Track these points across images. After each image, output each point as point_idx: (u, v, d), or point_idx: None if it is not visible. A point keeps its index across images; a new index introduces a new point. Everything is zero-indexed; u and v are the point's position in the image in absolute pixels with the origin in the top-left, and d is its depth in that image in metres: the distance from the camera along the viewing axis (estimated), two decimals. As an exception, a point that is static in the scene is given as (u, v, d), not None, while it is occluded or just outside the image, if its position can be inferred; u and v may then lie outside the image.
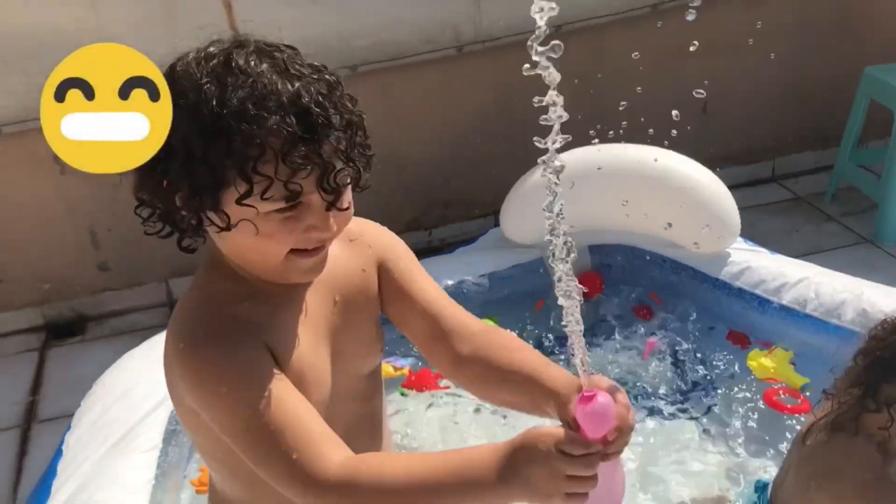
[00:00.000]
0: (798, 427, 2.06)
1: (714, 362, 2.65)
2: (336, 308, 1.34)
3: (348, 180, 1.19)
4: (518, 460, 1.10)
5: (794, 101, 4.18)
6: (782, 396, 2.50)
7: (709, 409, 2.53)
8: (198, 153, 1.13)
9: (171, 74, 1.17)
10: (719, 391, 2.58)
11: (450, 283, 2.89)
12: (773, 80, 4.06)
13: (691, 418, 2.50)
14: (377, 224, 1.45)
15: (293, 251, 1.22)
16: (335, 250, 1.31)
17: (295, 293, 1.30)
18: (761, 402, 2.49)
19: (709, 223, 2.76)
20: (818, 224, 3.89)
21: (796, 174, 4.28)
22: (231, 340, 1.21)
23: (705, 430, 2.47)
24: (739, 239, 2.93)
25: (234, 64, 1.14)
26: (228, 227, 1.17)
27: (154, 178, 1.18)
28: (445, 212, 3.92)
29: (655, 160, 2.83)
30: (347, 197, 1.22)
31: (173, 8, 3.24)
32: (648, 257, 2.94)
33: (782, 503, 1.96)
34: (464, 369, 1.35)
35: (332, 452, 1.16)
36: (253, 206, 1.14)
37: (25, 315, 3.60)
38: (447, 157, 3.80)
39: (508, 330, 1.32)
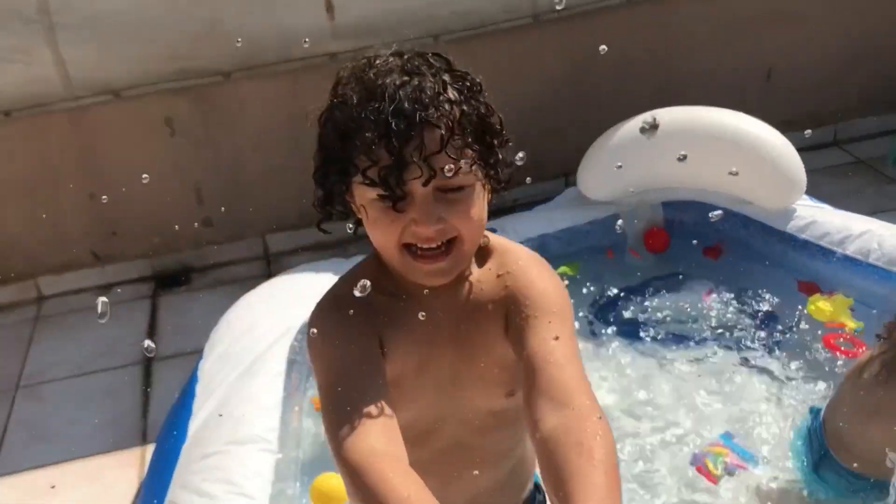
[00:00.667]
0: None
1: (779, 306, 2.87)
2: (459, 336, 1.32)
3: (451, 175, 1.16)
4: None
5: (857, 67, 4.31)
6: (842, 342, 2.71)
7: (771, 348, 2.76)
8: (326, 140, 1.22)
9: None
10: (783, 334, 2.80)
11: (532, 237, 3.15)
12: (836, 47, 4.21)
13: (749, 357, 2.74)
14: (546, 268, 1.34)
15: (407, 249, 1.21)
16: (486, 281, 1.31)
17: (428, 304, 1.29)
18: (821, 344, 2.71)
19: (776, 179, 2.96)
20: (879, 186, 4.03)
21: (858, 139, 4.42)
22: (348, 314, 1.25)
23: (765, 368, 2.71)
24: (805, 196, 3.13)
25: (369, 64, 1.21)
26: (351, 212, 1.25)
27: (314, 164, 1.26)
28: (517, 175, 4.15)
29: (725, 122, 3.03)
30: (466, 201, 1.20)
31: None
32: (719, 212, 3.14)
33: (834, 427, 2.18)
34: (536, 442, 1.13)
35: (365, 440, 1.11)
36: (363, 192, 1.19)
37: (136, 266, 3.94)
38: (522, 124, 4.01)
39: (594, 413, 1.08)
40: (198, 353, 3.10)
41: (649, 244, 3.34)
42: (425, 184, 1.15)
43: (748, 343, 2.81)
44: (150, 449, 2.90)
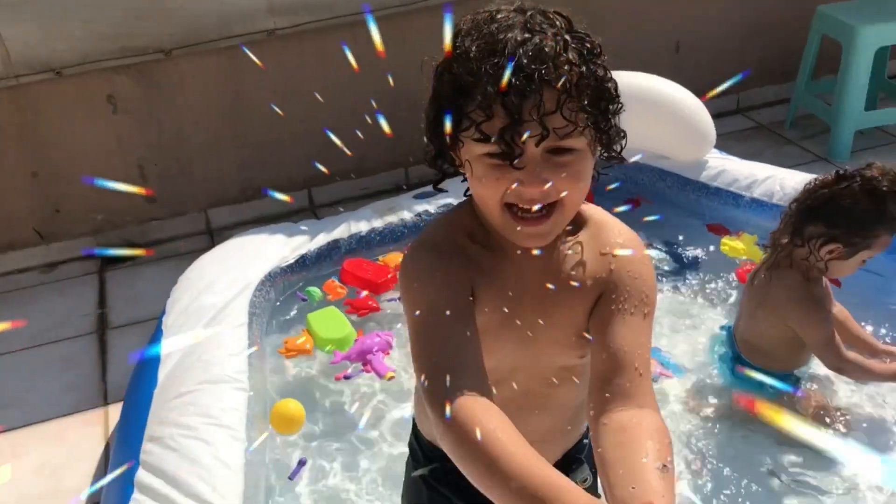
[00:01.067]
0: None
1: (695, 248, 3.18)
2: (546, 299, 1.31)
3: (563, 136, 1.14)
4: None
5: (757, 40, 4.69)
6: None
7: (691, 282, 3.09)
8: (441, 92, 1.20)
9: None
10: (700, 271, 3.12)
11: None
12: (737, 21, 4.57)
13: (673, 288, 3.08)
14: (648, 259, 1.35)
15: (508, 208, 1.20)
16: (585, 252, 1.31)
17: (520, 262, 1.29)
18: (733, 276, 3.05)
19: (689, 134, 3.27)
20: (779, 147, 4.42)
21: (758, 106, 4.81)
22: (445, 257, 1.26)
23: (686, 298, 3.06)
24: (714, 150, 3.45)
25: (491, 18, 1.17)
26: (460, 164, 1.24)
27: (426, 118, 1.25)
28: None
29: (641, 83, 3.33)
30: (576, 165, 1.17)
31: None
32: (638, 168, 3.45)
33: (739, 334, 2.55)
34: (594, 430, 1.17)
35: (459, 383, 1.12)
36: (471, 147, 1.18)
37: (81, 243, 4.00)
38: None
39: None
40: (150, 321, 3.23)
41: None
42: (538, 143, 1.14)
43: (672, 277, 3.13)
44: (113, 408, 3.02)
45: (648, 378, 1.20)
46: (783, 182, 3.12)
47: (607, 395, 1.17)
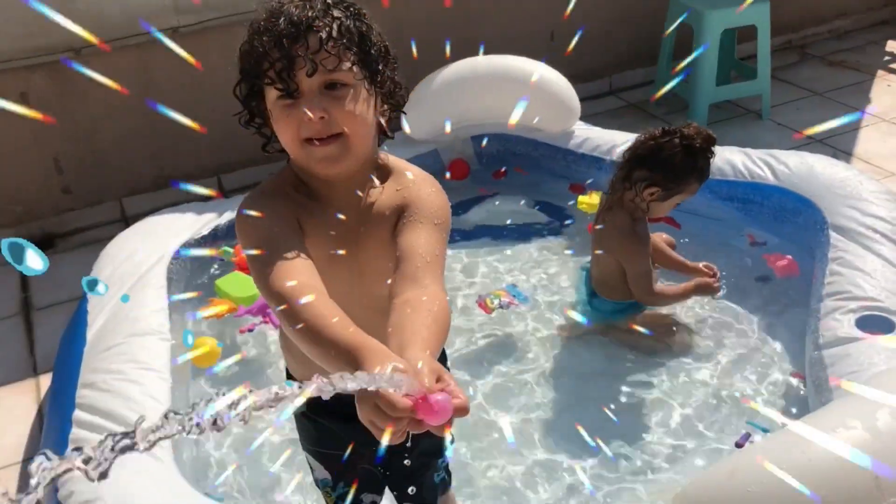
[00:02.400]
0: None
1: (556, 204, 3.71)
2: (361, 234, 1.54)
3: (335, 71, 1.39)
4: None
5: (623, 28, 5.20)
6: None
7: (554, 232, 3.67)
8: (242, 61, 1.46)
9: None
10: (560, 222, 3.66)
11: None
12: (605, 11, 5.07)
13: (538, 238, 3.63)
14: (437, 187, 1.57)
15: (307, 141, 1.43)
16: (385, 192, 1.54)
17: (333, 199, 1.51)
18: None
19: (557, 108, 3.73)
20: (646, 122, 4.92)
21: (628, 87, 5.33)
22: (273, 201, 1.48)
23: (548, 246, 3.58)
24: (580, 122, 3.92)
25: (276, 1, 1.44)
26: (258, 114, 1.49)
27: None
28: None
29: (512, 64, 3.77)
30: (348, 97, 1.41)
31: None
32: (515, 139, 3.90)
33: (592, 273, 3.03)
34: (391, 308, 1.35)
35: (299, 291, 1.30)
36: (268, 95, 1.43)
37: (0, 235, 4.20)
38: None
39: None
40: (72, 302, 3.49)
41: (452, 173, 3.99)
42: (310, 74, 1.37)
43: (538, 230, 3.66)
44: (44, 378, 3.28)
45: (436, 268, 1.41)
46: (636, 145, 3.60)
47: (398, 281, 1.38)
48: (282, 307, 1.30)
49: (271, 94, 1.43)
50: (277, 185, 1.55)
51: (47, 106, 4.06)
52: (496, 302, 3.25)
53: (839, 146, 4.52)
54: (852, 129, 4.75)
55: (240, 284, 3.23)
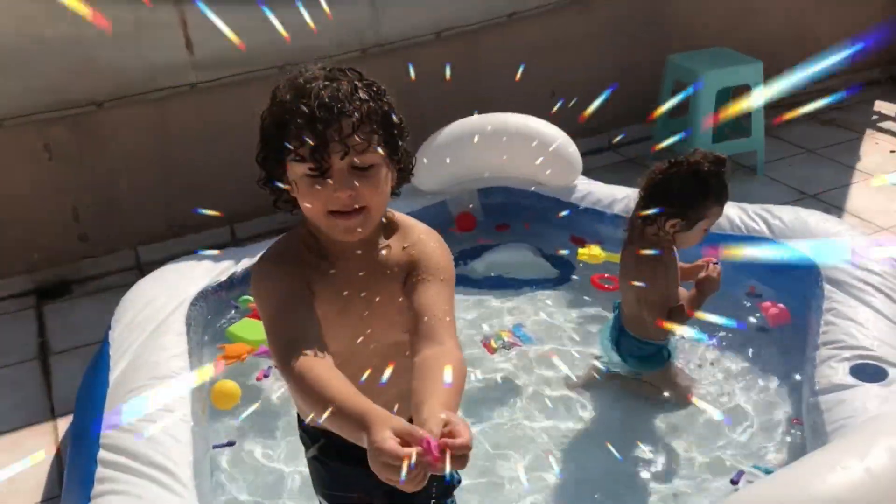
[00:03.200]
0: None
1: (563, 257, 3.85)
2: (369, 289, 1.65)
3: (364, 153, 1.50)
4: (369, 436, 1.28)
5: (621, 86, 5.37)
6: (605, 281, 3.69)
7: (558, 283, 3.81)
8: (266, 131, 1.57)
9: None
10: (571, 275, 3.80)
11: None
12: (603, 70, 5.27)
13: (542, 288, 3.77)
14: (440, 242, 1.71)
15: (332, 213, 1.53)
16: (393, 249, 1.66)
17: (346, 264, 1.62)
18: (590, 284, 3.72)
19: (560, 163, 3.89)
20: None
21: (626, 143, 5.50)
22: (285, 263, 1.61)
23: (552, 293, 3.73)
24: (582, 177, 4.08)
25: (299, 74, 1.56)
26: (282, 186, 1.57)
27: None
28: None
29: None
30: (374, 175, 1.53)
31: (140, 27, 4.08)
32: (521, 193, 4.05)
33: (622, 310, 3.07)
34: (413, 367, 1.49)
35: (301, 347, 1.45)
36: (294, 168, 1.52)
37: (18, 281, 4.31)
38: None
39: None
40: (89, 346, 3.60)
41: (460, 225, 4.13)
42: (342, 157, 1.49)
43: (542, 280, 3.80)
44: (61, 421, 3.37)
45: (449, 324, 1.54)
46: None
47: (416, 340, 1.51)
48: (288, 369, 1.44)
49: (298, 168, 1.52)
50: (290, 245, 1.65)
51: (68, 157, 4.21)
52: (500, 342, 3.36)
53: (831, 202, 4.68)
54: (843, 186, 4.92)
55: (253, 329, 3.34)
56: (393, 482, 1.23)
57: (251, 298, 3.52)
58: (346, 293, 1.62)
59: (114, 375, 2.95)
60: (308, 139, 1.47)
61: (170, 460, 2.48)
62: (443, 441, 1.24)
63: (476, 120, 3.95)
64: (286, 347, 1.47)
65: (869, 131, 5.60)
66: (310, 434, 1.92)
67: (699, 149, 2.86)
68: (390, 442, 1.24)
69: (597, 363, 3.20)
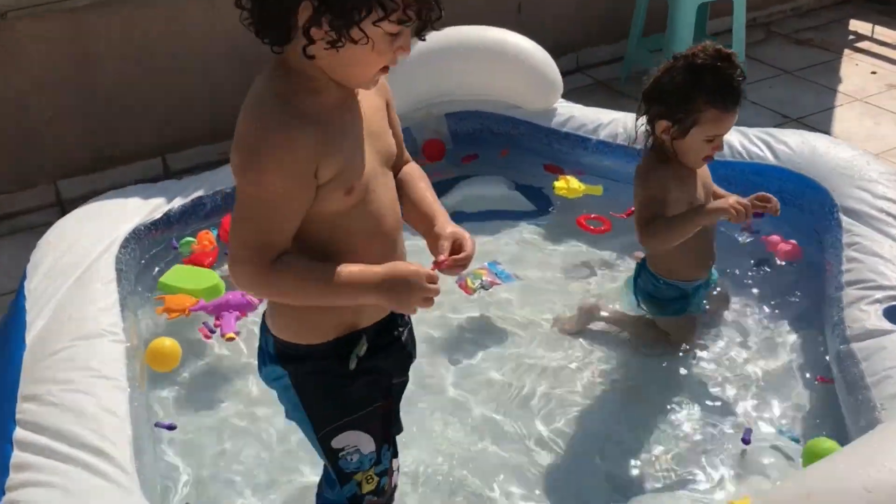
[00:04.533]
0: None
1: (542, 189, 3.47)
2: (368, 124, 1.67)
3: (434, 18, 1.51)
4: (396, 287, 1.58)
5: (592, 2, 4.97)
6: (591, 221, 3.33)
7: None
8: None
9: None
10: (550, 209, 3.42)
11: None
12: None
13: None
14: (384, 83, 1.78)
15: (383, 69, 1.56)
16: (373, 91, 1.68)
17: (347, 107, 1.61)
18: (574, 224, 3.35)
19: (538, 84, 3.47)
20: (616, 101, 4.70)
21: (596, 64, 5.11)
22: (299, 124, 1.51)
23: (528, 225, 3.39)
24: (562, 100, 3.67)
25: None
26: (354, 41, 1.45)
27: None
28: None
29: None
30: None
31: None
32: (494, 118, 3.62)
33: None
34: (402, 177, 1.81)
35: (279, 249, 1.57)
36: (380, 27, 1.45)
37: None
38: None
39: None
40: (6, 295, 3.10)
41: (427, 154, 3.70)
42: (425, 21, 1.51)
43: (519, 215, 3.43)
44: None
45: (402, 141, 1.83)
46: (626, 124, 3.37)
47: (401, 162, 1.83)
48: (268, 271, 1.57)
49: (388, 26, 1.46)
50: (297, 100, 1.54)
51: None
52: (478, 282, 3.02)
53: (817, 126, 4.39)
54: (826, 109, 4.63)
55: (191, 276, 2.89)
56: (424, 305, 1.60)
57: (194, 240, 3.07)
58: (352, 138, 1.62)
59: (31, 335, 2.48)
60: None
61: (105, 440, 2.06)
62: (452, 259, 1.67)
63: (445, 33, 3.46)
64: (265, 248, 1.56)
65: (847, 52, 5.31)
66: (338, 349, 1.75)
67: (708, 42, 2.44)
68: (423, 268, 1.61)
69: (594, 302, 2.88)
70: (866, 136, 4.32)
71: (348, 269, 1.58)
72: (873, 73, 5.03)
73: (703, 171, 2.59)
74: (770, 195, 2.54)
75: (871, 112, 4.58)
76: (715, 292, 2.82)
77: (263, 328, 1.79)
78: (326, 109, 1.56)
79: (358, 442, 1.80)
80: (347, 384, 1.76)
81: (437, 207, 1.78)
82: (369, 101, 1.67)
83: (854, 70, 5.08)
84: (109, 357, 2.35)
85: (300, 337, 1.72)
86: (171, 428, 2.45)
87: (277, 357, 1.75)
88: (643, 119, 2.53)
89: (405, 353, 1.89)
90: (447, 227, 1.72)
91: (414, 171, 1.84)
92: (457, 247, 1.68)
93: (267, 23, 1.50)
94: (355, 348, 1.73)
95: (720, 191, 2.68)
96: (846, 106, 4.65)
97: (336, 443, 1.79)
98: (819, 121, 4.48)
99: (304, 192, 1.55)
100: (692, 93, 2.37)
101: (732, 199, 2.46)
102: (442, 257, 1.66)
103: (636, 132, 2.54)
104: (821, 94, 4.79)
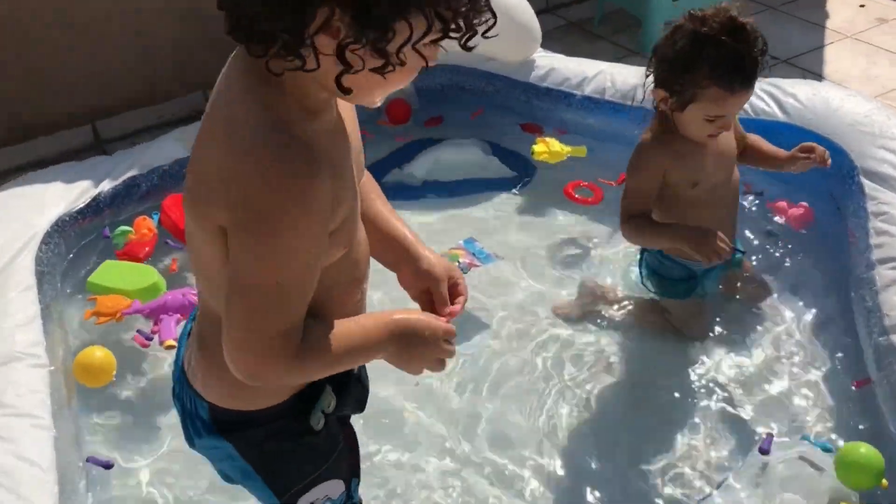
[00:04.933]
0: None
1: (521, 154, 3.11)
2: (351, 127, 1.31)
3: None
4: (408, 342, 1.29)
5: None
6: (580, 187, 2.98)
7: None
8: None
9: None
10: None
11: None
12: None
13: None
14: None
15: None
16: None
17: (338, 122, 1.25)
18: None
19: (515, 33, 3.07)
20: (591, 43, 4.33)
21: (567, 4, 4.70)
22: (316, 171, 1.11)
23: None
24: (541, 49, 3.28)
25: None
26: (391, 65, 1.08)
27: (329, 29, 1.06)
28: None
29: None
30: None
31: None
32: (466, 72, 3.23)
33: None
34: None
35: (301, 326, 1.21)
36: (420, 51, 1.09)
37: None
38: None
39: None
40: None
41: (391, 116, 3.33)
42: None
43: (497, 184, 3.07)
44: None
45: None
46: (614, 78, 3.01)
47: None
48: (288, 360, 1.20)
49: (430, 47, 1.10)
50: (299, 129, 1.11)
51: None
52: (455, 265, 2.65)
53: (808, 67, 4.07)
54: (816, 48, 4.31)
55: (125, 274, 2.49)
56: (436, 369, 1.34)
57: (130, 230, 2.67)
58: (349, 159, 1.26)
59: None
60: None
61: (22, 500, 1.69)
62: (454, 309, 1.41)
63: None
64: (293, 332, 1.19)
65: (833, -16, 4.96)
66: (296, 407, 1.42)
67: (727, 3, 2.09)
68: (439, 321, 1.34)
69: (595, 283, 2.57)
70: (862, 78, 4.01)
71: (362, 328, 1.29)
72: (861, 6, 4.70)
73: (722, 138, 2.25)
74: (814, 144, 2.27)
75: (863, 50, 4.27)
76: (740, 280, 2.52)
77: (186, 386, 1.40)
78: (327, 135, 1.18)
79: (328, 490, 1.53)
80: (310, 441, 1.44)
81: (408, 234, 1.46)
82: (343, 104, 1.27)
83: (841, 4, 4.74)
84: (28, 388, 1.97)
85: (248, 403, 1.36)
86: (107, 466, 2.07)
87: (215, 427, 1.38)
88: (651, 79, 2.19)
89: (361, 386, 1.57)
90: (432, 260, 1.43)
91: (369, 188, 1.46)
92: (451, 285, 1.43)
93: (273, 31, 1.05)
94: (319, 403, 1.40)
95: (769, 148, 2.37)
96: (837, 44, 4.33)
97: (304, 501, 1.49)
98: (810, 62, 4.16)
99: (324, 252, 1.20)
100: (693, 64, 2.05)
101: (711, 243, 2.16)
102: (450, 309, 1.40)
103: (644, 91, 2.19)
104: (808, 30, 4.46)
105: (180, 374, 1.41)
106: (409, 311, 1.35)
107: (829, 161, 2.28)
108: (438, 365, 1.33)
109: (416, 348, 1.30)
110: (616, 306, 2.52)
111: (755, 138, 2.41)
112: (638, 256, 2.48)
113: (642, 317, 2.48)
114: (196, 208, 1.18)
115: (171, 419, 2.24)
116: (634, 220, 2.22)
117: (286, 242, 1.11)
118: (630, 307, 2.51)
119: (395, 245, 1.44)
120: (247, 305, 1.15)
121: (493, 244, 2.80)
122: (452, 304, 1.42)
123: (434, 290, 1.42)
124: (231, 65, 1.19)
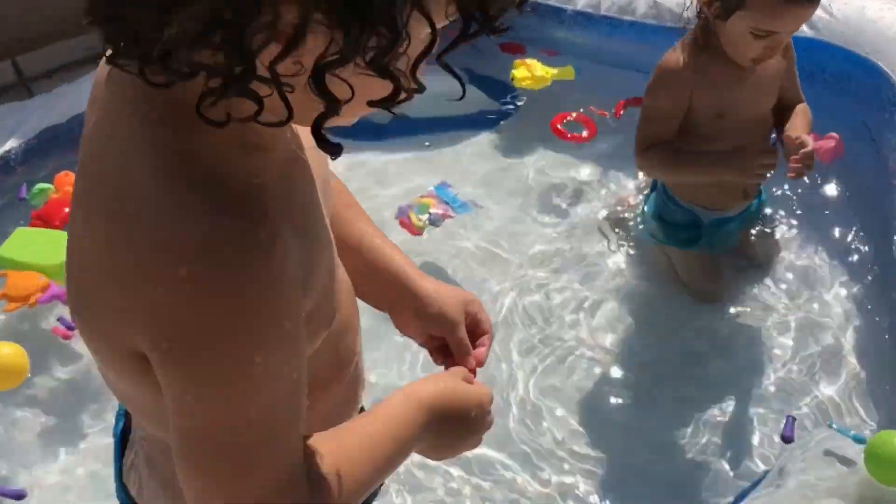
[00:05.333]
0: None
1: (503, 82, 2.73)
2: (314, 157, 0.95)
3: None
4: (449, 431, 0.96)
5: None
6: (570, 122, 2.61)
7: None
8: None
9: None
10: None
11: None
12: None
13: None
14: None
15: None
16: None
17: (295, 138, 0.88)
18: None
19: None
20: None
21: None
22: (258, 240, 0.72)
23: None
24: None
25: None
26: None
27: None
28: None
29: None
30: None
31: None
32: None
33: None
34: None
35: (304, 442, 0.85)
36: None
37: None
38: None
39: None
40: None
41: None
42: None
43: (474, 119, 2.71)
44: None
45: None
46: (609, -11, 2.60)
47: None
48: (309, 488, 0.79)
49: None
50: (233, 181, 0.71)
51: None
52: (424, 217, 2.34)
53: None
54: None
55: (41, 244, 2.12)
56: (474, 446, 1.01)
57: (51, 187, 2.32)
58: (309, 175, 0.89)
59: None
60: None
61: None
62: (480, 356, 1.08)
63: None
64: (298, 465, 0.78)
65: None
66: None
67: None
68: (482, 390, 1.00)
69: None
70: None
71: (392, 430, 0.90)
72: None
73: (770, 67, 1.93)
74: (807, 142, 1.92)
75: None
76: (754, 232, 2.19)
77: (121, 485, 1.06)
78: (281, 175, 0.78)
79: None
80: None
81: (404, 265, 1.09)
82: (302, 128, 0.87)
83: None
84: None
85: None
86: (19, 497, 1.76)
87: None
88: None
89: None
90: (442, 298, 1.07)
91: (346, 202, 1.10)
92: (469, 322, 1.08)
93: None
94: None
95: (794, 122, 2.00)
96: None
97: None
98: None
99: (305, 350, 0.80)
100: None
101: (753, 161, 1.93)
102: (477, 358, 1.07)
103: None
104: None
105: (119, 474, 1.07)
106: (434, 381, 0.97)
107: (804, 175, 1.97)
108: (475, 444, 1.01)
109: (458, 435, 0.98)
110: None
111: (803, 108, 2.04)
112: (644, 194, 2.23)
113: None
114: (90, 329, 0.80)
115: (95, 429, 1.92)
116: (655, 150, 1.97)
117: (248, 367, 0.72)
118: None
119: (389, 280, 1.08)
120: (212, 469, 0.75)
121: (470, 190, 2.47)
122: (474, 346, 1.08)
123: (450, 339, 1.07)
124: (111, 87, 0.76)
